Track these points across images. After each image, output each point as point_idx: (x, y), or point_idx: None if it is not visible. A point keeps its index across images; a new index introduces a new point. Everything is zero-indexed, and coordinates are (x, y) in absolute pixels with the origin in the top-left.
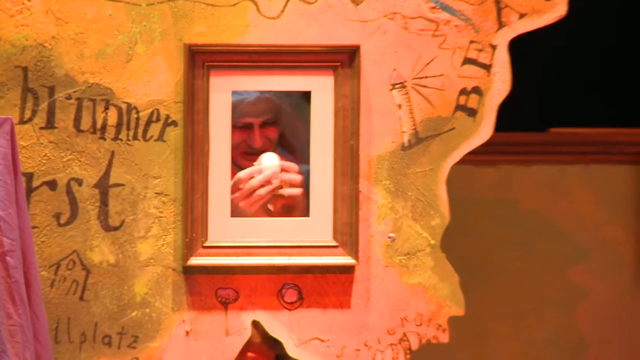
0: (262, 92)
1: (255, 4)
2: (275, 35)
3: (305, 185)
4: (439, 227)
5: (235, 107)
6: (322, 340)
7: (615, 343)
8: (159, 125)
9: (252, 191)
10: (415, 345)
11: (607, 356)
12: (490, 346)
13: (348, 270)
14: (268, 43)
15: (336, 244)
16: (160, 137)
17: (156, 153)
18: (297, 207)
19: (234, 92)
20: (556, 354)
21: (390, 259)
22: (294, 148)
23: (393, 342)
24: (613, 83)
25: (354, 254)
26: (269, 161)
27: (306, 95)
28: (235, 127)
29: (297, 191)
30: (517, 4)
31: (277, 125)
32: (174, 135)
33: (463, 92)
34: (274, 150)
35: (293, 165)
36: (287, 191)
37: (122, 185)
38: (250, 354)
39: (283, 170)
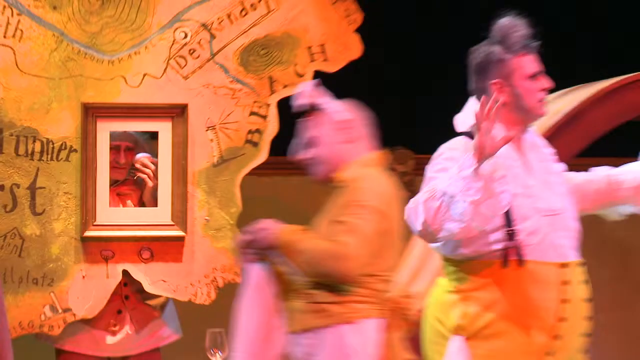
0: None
1: (124, 78)
2: (137, 98)
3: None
4: (235, 213)
5: (111, 138)
6: (164, 281)
7: None
8: (66, 151)
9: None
10: (221, 284)
11: None
12: None
13: (181, 239)
14: (132, 102)
15: (173, 223)
16: (67, 159)
17: (65, 168)
18: (149, 201)
19: (111, 132)
20: None
21: (206, 232)
22: None
23: (207, 282)
24: None
25: (184, 229)
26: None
27: (154, 134)
28: (111, 149)
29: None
30: (282, 79)
31: (135, 150)
32: (75, 157)
33: (250, 132)
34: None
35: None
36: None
37: (44, 187)
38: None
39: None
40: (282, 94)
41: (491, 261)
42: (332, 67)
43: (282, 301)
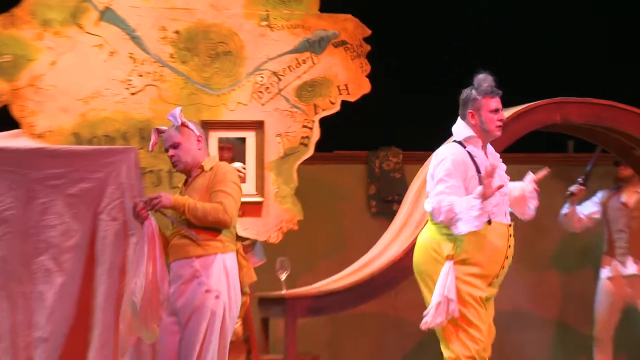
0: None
1: (225, 105)
2: (233, 117)
3: None
4: (293, 187)
5: (218, 142)
6: (251, 229)
7: None
8: None
9: None
10: (285, 230)
11: None
12: None
13: (260, 203)
14: (230, 119)
15: (256, 193)
16: None
17: None
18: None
19: (218, 138)
20: None
21: (276, 198)
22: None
23: (277, 229)
24: None
25: (263, 196)
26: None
27: (243, 139)
28: (218, 148)
29: (243, 175)
30: (321, 105)
31: (232, 149)
32: None
33: (302, 137)
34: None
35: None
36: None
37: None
38: None
39: None
40: (321, 115)
41: None
42: (352, 99)
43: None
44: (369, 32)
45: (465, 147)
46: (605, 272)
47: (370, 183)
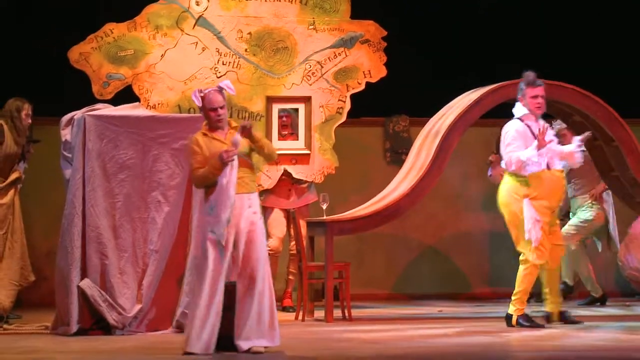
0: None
1: (284, 85)
2: (288, 93)
3: None
4: (332, 143)
5: (279, 112)
6: (302, 172)
7: None
8: (260, 117)
9: None
10: (326, 173)
11: None
12: None
13: (308, 154)
14: (287, 95)
15: (305, 147)
16: (259, 120)
17: (259, 125)
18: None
19: (279, 109)
20: None
21: (319, 151)
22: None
23: (320, 173)
24: None
25: (310, 149)
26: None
27: (297, 109)
28: (278, 117)
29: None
30: (352, 85)
31: (290, 117)
32: (263, 120)
33: (338, 108)
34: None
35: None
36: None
37: None
38: None
39: None
40: (351, 92)
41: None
42: (373, 80)
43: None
44: (385, 32)
45: (523, 121)
46: None
47: (385, 140)
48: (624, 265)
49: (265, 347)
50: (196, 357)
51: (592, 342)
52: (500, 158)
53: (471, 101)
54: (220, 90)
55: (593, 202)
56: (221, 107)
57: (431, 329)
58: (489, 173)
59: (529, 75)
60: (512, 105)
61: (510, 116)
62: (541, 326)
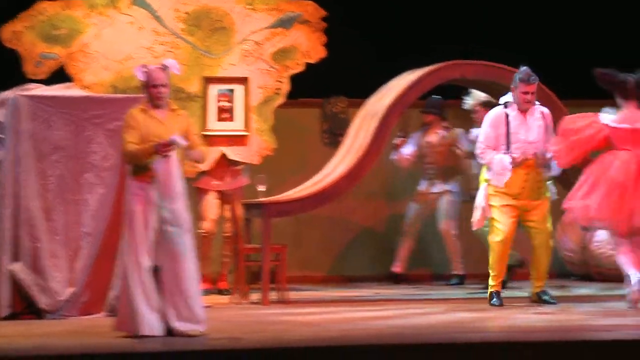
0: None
1: (221, 66)
2: (226, 74)
3: None
4: (270, 124)
5: (218, 92)
6: (240, 154)
7: None
8: (197, 98)
9: None
10: (264, 155)
11: None
12: None
13: (246, 136)
14: (223, 76)
15: (244, 129)
16: (195, 100)
17: (195, 106)
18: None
19: (218, 90)
20: None
21: (257, 132)
22: None
23: (259, 153)
24: None
25: (248, 131)
26: None
27: (232, 90)
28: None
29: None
30: (291, 67)
31: (226, 97)
32: (198, 101)
33: (276, 89)
34: None
35: None
36: None
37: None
38: None
39: None
40: (290, 73)
41: None
42: (312, 61)
43: None
44: (324, 13)
45: (505, 108)
46: (420, 188)
47: (323, 122)
48: (560, 247)
49: (192, 330)
50: (141, 339)
51: (528, 323)
52: (405, 142)
53: (410, 82)
54: (164, 68)
55: None
56: (163, 85)
57: (369, 311)
58: (393, 156)
59: (525, 71)
60: (450, 87)
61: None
62: (497, 306)
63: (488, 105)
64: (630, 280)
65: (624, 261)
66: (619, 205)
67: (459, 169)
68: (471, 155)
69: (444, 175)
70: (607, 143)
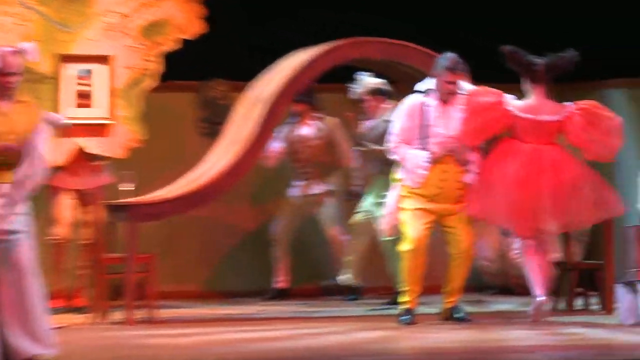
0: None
1: (77, 41)
2: (85, 50)
3: None
4: (139, 110)
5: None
6: (101, 147)
7: None
8: (48, 79)
9: None
10: (131, 147)
11: None
12: None
13: (111, 124)
14: (82, 54)
15: (108, 117)
16: (44, 83)
17: (48, 88)
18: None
19: (78, 70)
20: None
21: (124, 120)
22: None
23: (125, 144)
24: None
25: (113, 119)
26: None
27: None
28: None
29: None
30: (163, 43)
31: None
32: (52, 84)
33: (145, 69)
34: None
35: None
36: None
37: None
38: None
39: None
40: (162, 51)
41: None
42: (187, 36)
43: None
44: None
45: (424, 96)
46: (293, 192)
47: (201, 108)
48: (476, 255)
49: (38, 355)
50: None
51: (440, 344)
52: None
53: (302, 63)
54: (19, 52)
55: None
56: (15, 74)
57: (253, 331)
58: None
59: (452, 57)
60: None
61: None
62: (407, 325)
63: (378, 94)
64: (534, 297)
65: (531, 275)
66: (520, 206)
67: (338, 164)
68: (355, 147)
69: (322, 173)
70: (512, 128)
